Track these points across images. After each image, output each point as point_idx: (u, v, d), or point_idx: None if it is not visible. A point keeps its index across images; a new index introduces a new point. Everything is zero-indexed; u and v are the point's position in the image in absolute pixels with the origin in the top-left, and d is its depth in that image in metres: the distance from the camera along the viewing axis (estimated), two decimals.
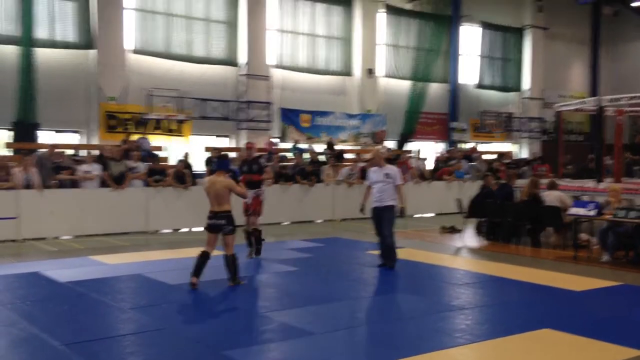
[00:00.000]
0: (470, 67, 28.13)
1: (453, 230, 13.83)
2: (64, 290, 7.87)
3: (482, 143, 28.11)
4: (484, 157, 21.86)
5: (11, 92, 17.78)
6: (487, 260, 10.69)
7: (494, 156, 22.79)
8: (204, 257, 8.00)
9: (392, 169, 9.43)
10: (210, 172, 13.20)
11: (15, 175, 12.12)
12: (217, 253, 9.93)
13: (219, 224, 7.99)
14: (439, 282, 8.78)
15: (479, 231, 13.06)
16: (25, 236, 11.86)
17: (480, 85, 28.51)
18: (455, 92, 27.46)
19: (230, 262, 8.11)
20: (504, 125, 28.61)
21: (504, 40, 29.29)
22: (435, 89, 26.74)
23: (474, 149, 23.71)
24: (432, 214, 17.61)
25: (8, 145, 17.60)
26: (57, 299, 7.41)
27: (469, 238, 12.89)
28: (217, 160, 8.68)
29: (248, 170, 10.06)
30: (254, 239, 10.17)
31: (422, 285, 8.55)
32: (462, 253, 11.59)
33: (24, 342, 5.74)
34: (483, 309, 7.31)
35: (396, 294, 8.00)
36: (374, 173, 9.41)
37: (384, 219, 9.23)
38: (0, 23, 17.96)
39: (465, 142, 27.27)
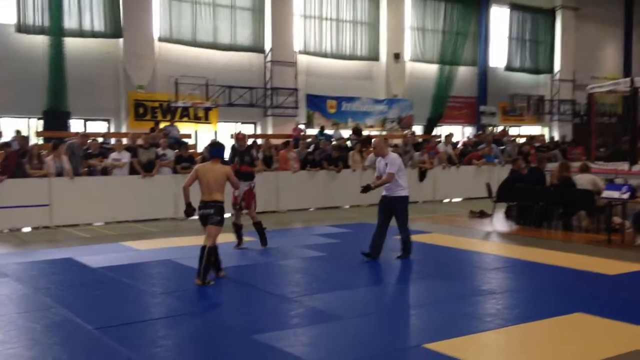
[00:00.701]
0: (499, 50, 27.68)
1: (482, 214, 13.69)
2: (97, 275, 8.00)
3: (512, 126, 27.73)
4: (514, 140, 21.53)
5: (42, 82, 18.07)
6: (517, 244, 10.56)
7: (524, 139, 22.44)
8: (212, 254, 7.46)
9: (391, 157, 8.79)
10: (202, 159, 13.22)
11: (47, 164, 12.33)
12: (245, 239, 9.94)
13: (207, 213, 7.45)
14: (469, 267, 8.71)
15: (509, 215, 12.89)
16: (57, 223, 12.08)
17: (509, 68, 28.07)
18: (484, 75, 27.08)
19: (206, 254, 7.30)
20: (534, 108, 28.13)
21: (534, 22, 28.72)
22: (463, 72, 26.40)
23: (503, 133, 23.38)
24: (461, 199, 17.46)
25: (39, 133, 17.92)
26: (90, 284, 7.53)
27: (499, 222, 12.75)
28: (211, 148, 8.35)
29: (240, 162, 9.54)
30: (257, 231, 9.82)
31: (451, 270, 8.48)
32: (492, 237, 11.47)
33: (58, 326, 5.86)
34: (514, 294, 7.23)
35: (425, 279, 7.94)
36: (378, 163, 9.00)
37: (397, 210, 8.82)
38: (30, 14, 18.22)
39: (494, 125, 26.92)
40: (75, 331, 5.72)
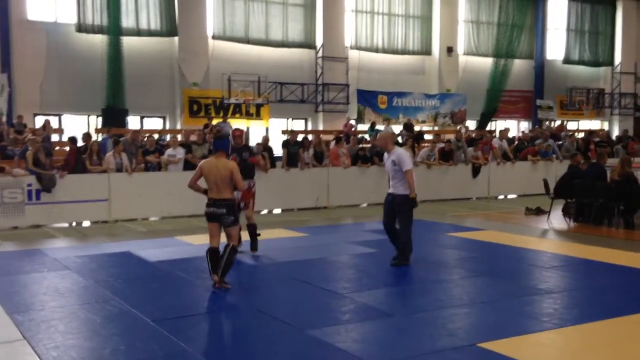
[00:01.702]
0: (556, 42, 26.89)
1: (539, 211, 13.34)
2: (153, 269, 8.19)
3: (570, 121, 26.93)
4: (572, 135, 20.88)
5: (101, 80, 18.65)
6: (575, 242, 10.24)
7: (583, 134, 21.74)
8: (213, 255, 7.01)
9: (399, 153, 8.10)
10: (203, 156, 12.73)
11: (107, 160, 12.71)
12: (290, 234, 10.03)
13: (219, 213, 6.94)
14: (524, 265, 8.50)
15: (567, 213, 12.52)
16: (116, 217, 12.44)
17: (567, 60, 27.25)
18: (540, 68, 26.39)
19: (228, 253, 6.95)
20: (593, 101, 27.19)
21: (593, 12, 27.76)
22: (519, 65, 25.79)
23: (560, 127, 22.71)
24: (516, 195, 17.07)
25: (98, 130, 18.49)
26: (146, 278, 7.73)
27: (556, 220, 12.40)
28: (215, 141, 7.77)
29: (239, 158, 8.67)
30: (249, 234, 8.98)
31: (506, 268, 8.30)
32: (549, 235, 11.16)
33: (116, 318, 6.03)
34: (572, 293, 7.02)
35: (479, 276, 7.79)
36: (386, 160, 8.35)
37: (400, 210, 8.12)
38: (89, 14, 18.81)
39: (551, 120, 26.20)
40: (133, 323, 5.87)
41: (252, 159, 9.13)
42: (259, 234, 9.14)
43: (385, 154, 8.43)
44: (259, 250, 9.08)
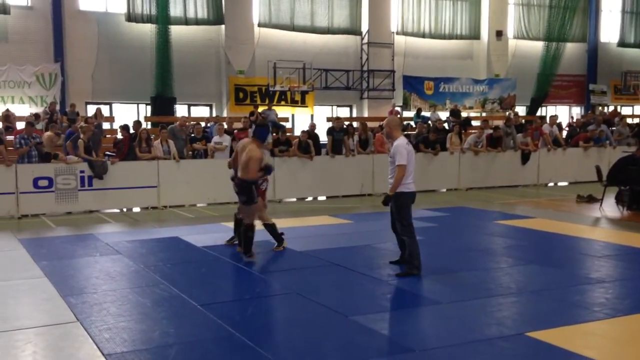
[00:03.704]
0: (611, 24, 25.95)
1: (591, 199, 12.97)
2: (201, 254, 8.34)
3: (624, 106, 26.02)
4: (624, 119, 20.17)
5: (150, 69, 18.98)
6: (629, 231, 9.92)
7: (639, 119, 20.98)
8: (237, 222, 7.88)
9: (397, 144, 6.95)
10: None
11: (156, 147, 12.97)
12: (335, 221, 10.01)
13: (235, 190, 7.74)
14: (576, 254, 8.29)
15: (620, 200, 12.13)
16: (164, 203, 12.70)
17: (622, 43, 26.28)
18: (594, 51, 25.54)
19: (242, 232, 7.68)
20: None
21: None
22: (571, 49, 25.02)
23: (614, 113, 21.95)
24: (567, 183, 16.64)
25: (147, 118, 18.87)
26: (194, 263, 7.87)
27: (609, 208, 12.02)
28: (255, 128, 8.03)
29: None
30: (271, 234, 8.42)
31: (556, 256, 8.11)
32: (601, 223, 10.84)
33: (165, 302, 6.17)
34: (625, 283, 6.81)
35: (528, 265, 7.64)
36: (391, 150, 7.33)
37: (395, 208, 7.11)
38: (138, 3, 19.15)
39: (605, 105, 25.37)
40: (182, 307, 5.99)
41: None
42: (282, 233, 8.51)
43: (390, 144, 7.78)
44: (305, 238, 9.10)
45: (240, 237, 7.97)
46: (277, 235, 8.41)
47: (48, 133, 12.89)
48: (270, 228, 8.40)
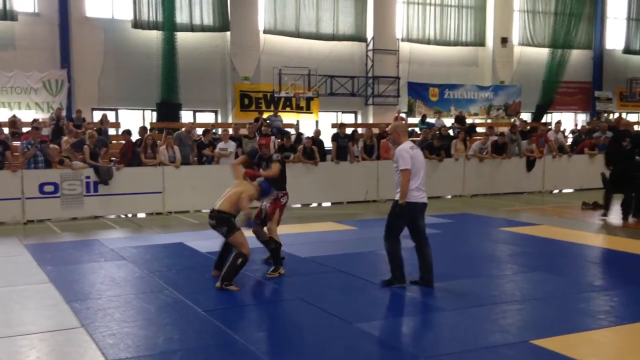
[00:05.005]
0: (616, 31, 25.93)
1: (596, 206, 12.92)
2: (206, 260, 8.33)
3: (630, 113, 25.96)
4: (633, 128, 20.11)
5: (155, 75, 19.06)
6: (634, 238, 9.87)
7: None
8: (223, 249, 7.31)
9: (399, 148, 6.63)
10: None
11: (160, 153, 13.01)
12: (339, 227, 10.01)
13: (211, 224, 7.07)
14: (580, 261, 8.26)
15: (626, 207, 12.06)
16: (169, 209, 12.72)
17: (628, 50, 26.24)
18: (599, 58, 25.51)
19: (232, 259, 6.86)
20: None
21: None
22: (576, 55, 25.00)
23: (620, 120, 21.89)
24: (572, 190, 16.59)
25: (152, 124, 18.93)
26: (199, 268, 7.87)
27: (614, 215, 11.98)
28: (262, 183, 7.42)
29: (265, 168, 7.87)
30: (271, 254, 7.69)
31: (561, 264, 8.08)
32: (606, 230, 10.80)
33: (170, 308, 6.17)
34: (630, 290, 6.77)
35: (533, 272, 7.61)
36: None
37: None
38: (144, 10, 19.26)
39: (610, 112, 25.31)
40: (186, 313, 6.00)
41: (251, 172, 7.81)
42: (284, 258, 7.76)
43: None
44: (310, 244, 9.09)
45: (232, 262, 6.88)
46: (278, 259, 7.59)
47: (66, 138, 13.26)
48: (275, 248, 7.61)
